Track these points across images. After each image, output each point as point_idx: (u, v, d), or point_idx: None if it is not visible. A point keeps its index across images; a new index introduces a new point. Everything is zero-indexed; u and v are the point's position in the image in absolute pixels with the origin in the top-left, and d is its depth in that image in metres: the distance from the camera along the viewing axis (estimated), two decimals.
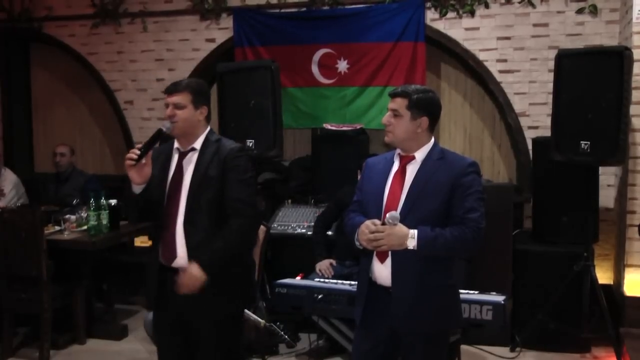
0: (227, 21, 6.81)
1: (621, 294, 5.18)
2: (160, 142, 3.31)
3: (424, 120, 3.03)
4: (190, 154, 3.31)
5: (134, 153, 3.13)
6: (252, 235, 3.36)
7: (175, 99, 3.26)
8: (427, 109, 3.03)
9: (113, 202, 5.51)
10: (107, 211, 5.35)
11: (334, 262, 4.99)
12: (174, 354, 3.40)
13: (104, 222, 5.33)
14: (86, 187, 6.12)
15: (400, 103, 3.02)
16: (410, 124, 3.01)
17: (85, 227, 5.40)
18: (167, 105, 3.28)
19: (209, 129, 3.39)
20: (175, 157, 3.35)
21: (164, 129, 3.23)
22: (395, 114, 3.02)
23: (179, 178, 3.28)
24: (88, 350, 5.36)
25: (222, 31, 6.87)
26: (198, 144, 3.32)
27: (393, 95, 3.06)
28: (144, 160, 3.15)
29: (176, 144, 3.36)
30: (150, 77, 7.18)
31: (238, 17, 6.71)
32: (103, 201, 5.33)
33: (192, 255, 3.20)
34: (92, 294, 5.69)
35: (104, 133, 7.70)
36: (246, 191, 3.28)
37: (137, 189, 3.20)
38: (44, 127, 7.95)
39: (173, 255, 3.27)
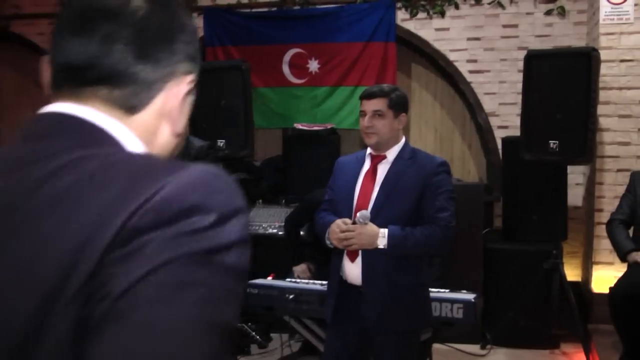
0: (198, 21, 6.77)
1: (589, 291, 5.25)
2: None
3: (404, 117, 3.09)
4: None
5: None
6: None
7: None
8: (405, 105, 3.11)
9: None
10: None
11: (311, 266, 4.96)
12: None
13: None
14: None
15: (381, 103, 3.03)
16: (394, 122, 3.05)
17: None
18: None
19: None
20: None
21: None
22: (379, 114, 3.03)
23: None
24: None
25: None
26: None
27: (370, 96, 3.06)
28: None
29: None
30: None
31: (209, 17, 6.68)
32: None
33: None
34: None
35: None
36: None
37: None
38: (10, 128, 7.84)
39: None
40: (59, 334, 0.78)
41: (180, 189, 0.83)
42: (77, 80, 0.97)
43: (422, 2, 6.29)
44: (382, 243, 2.90)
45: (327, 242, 3.03)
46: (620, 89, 5.25)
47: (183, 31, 1.01)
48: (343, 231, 2.91)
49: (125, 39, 0.95)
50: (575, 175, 5.83)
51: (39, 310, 0.79)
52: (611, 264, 5.13)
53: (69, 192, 0.85)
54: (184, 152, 3.35)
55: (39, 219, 0.84)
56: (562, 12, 5.97)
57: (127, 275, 0.77)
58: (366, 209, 2.95)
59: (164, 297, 0.77)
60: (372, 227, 2.90)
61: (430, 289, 3.33)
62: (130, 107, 0.98)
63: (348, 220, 2.94)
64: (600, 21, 5.24)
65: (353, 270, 3.03)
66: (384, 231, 2.90)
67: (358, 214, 2.90)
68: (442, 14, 6.25)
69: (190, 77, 1.02)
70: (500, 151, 5.91)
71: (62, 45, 1.00)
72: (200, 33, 6.73)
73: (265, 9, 6.64)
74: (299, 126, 6.25)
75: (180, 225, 0.80)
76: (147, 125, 1.00)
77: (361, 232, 2.89)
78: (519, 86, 5.33)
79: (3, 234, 0.85)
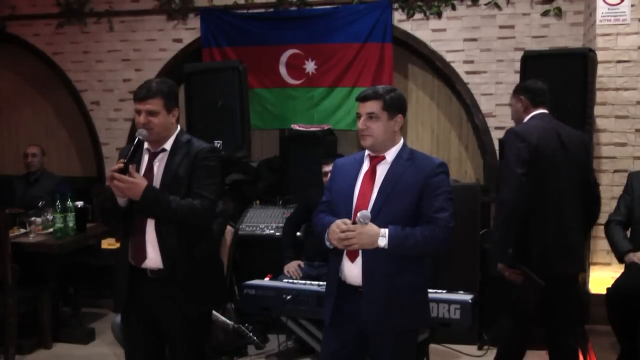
0: (195, 21, 6.78)
1: (586, 291, 5.25)
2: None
3: (400, 118, 3.07)
4: (160, 155, 3.26)
5: (118, 168, 3.06)
6: (200, 221, 3.26)
7: (148, 106, 3.17)
8: (400, 106, 3.07)
9: (79, 204, 5.45)
10: (74, 213, 5.29)
11: (302, 263, 4.99)
12: (143, 353, 3.36)
13: (70, 224, 5.27)
14: (57, 190, 5.97)
15: (375, 105, 3.02)
16: (389, 124, 3.03)
17: (51, 230, 5.33)
18: (138, 112, 3.19)
19: (179, 129, 3.33)
20: (146, 158, 3.29)
21: (142, 138, 3.16)
22: (373, 116, 3.02)
23: (149, 179, 3.21)
24: (55, 355, 5.29)
25: (189, 31, 6.84)
26: (168, 145, 3.26)
27: (364, 99, 3.05)
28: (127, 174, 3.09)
29: (146, 145, 3.28)
30: (117, 78, 7.11)
31: (205, 18, 6.68)
32: (69, 203, 5.26)
33: (166, 258, 3.19)
34: (59, 297, 5.61)
35: (70, 134, 7.61)
36: (210, 186, 3.23)
37: (122, 202, 3.16)
38: (8, 128, 7.84)
39: (143, 256, 3.23)
40: None
41: None
42: (538, 102, 3.97)
43: (419, 3, 6.30)
44: (382, 242, 2.89)
45: (327, 242, 3.02)
46: (617, 89, 5.25)
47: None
48: (343, 231, 2.90)
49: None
50: None
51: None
52: (608, 264, 5.14)
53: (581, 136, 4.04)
54: (185, 154, 3.23)
55: (580, 144, 3.93)
56: (558, 13, 5.98)
57: None
58: (366, 209, 2.95)
59: None
60: (372, 227, 2.89)
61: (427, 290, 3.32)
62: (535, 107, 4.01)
63: (348, 221, 2.93)
64: (597, 22, 5.25)
65: (353, 271, 3.02)
66: (385, 231, 2.89)
67: (358, 214, 2.89)
68: (439, 15, 6.26)
69: None
70: (497, 152, 5.91)
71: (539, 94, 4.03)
72: (197, 34, 6.74)
73: (262, 10, 6.64)
74: (296, 127, 6.25)
75: None
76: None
77: (361, 232, 2.88)
78: None
79: (566, 151, 3.83)
